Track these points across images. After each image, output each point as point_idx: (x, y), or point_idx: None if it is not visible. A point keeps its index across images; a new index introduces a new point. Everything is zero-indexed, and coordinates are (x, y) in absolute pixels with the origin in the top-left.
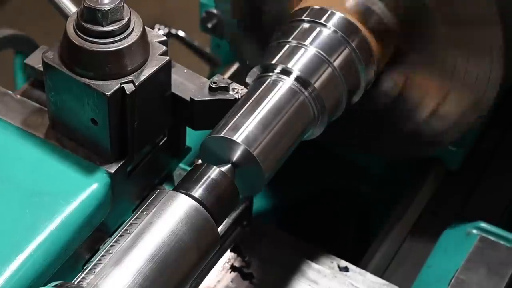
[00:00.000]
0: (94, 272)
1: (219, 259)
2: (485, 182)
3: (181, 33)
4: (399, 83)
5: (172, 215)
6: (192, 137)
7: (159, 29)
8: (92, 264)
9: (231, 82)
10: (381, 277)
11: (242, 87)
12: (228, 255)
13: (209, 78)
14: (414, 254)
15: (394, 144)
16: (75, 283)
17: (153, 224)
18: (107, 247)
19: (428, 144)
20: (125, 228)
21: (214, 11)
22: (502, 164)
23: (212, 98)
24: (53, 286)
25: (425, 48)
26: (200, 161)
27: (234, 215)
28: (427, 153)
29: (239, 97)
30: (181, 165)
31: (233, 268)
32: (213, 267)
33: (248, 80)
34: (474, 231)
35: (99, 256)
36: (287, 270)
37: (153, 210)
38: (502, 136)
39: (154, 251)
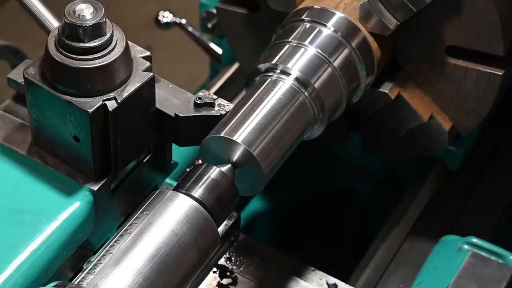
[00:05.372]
0: (94, 272)
1: (205, 276)
2: (485, 182)
3: (184, 22)
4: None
5: (172, 215)
6: (180, 151)
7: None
8: (92, 264)
9: (217, 98)
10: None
11: (228, 103)
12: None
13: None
14: (414, 254)
15: (394, 144)
16: (75, 283)
17: (153, 224)
18: (107, 247)
19: (424, 148)
20: (125, 228)
21: (214, 11)
22: (502, 164)
23: (197, 114)
24: (53, 286)
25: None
26: (200, 161)
27: (221, 230)
28: (427, 153)
29: (224, 113)
30: (168, 180)
31: (219, 285)
32: (199, 284)
33: (248, 80)
34: (466, 246)
35: (99, 256)
36: (275, 287)
37: (153, 210)
38: (502, 136)
39: (154, 251)
